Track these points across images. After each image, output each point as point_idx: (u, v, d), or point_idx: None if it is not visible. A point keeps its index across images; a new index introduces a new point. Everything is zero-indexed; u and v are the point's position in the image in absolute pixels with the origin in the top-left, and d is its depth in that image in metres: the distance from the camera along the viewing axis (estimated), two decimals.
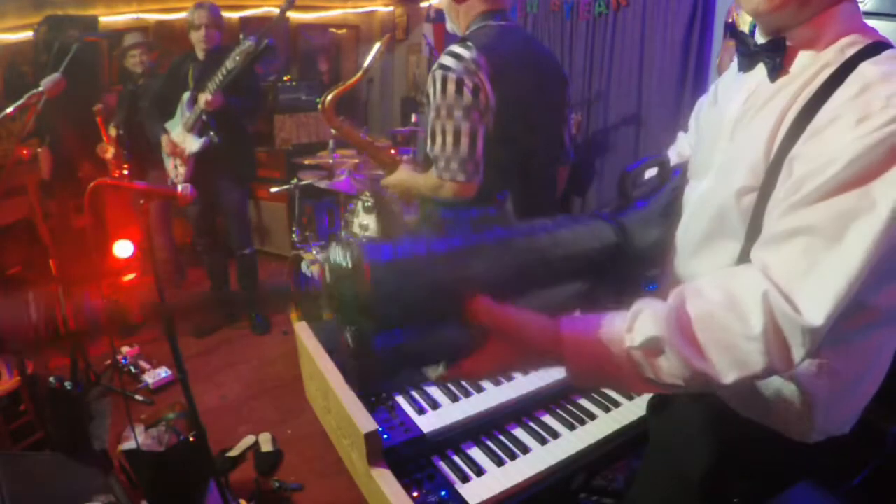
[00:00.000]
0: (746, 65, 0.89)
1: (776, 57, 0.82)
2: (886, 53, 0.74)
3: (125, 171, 3.24)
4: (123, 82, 3.63)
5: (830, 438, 0.91)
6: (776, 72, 0.83)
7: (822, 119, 0.73)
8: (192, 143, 3.04)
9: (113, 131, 3.37)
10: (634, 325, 0.72)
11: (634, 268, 0.92)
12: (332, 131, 2.85)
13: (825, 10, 0.78)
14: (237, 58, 2.73)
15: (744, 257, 0.82)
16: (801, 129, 0.75)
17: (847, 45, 0.77)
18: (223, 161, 3.13)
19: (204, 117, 3.00)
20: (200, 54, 3.10)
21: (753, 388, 0.90)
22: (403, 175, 1.77)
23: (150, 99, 3.30)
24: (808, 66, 0.79)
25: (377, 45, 1.83)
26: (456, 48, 1.57)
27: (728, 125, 0.90)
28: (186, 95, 3.08)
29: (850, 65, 0.75)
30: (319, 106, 1.79)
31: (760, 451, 0.95)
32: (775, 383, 0.88)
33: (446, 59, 1.55)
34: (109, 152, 3.36)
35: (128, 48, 3.38)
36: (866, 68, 0.73)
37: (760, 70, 0.86)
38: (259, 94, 3.36)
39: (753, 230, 0.81)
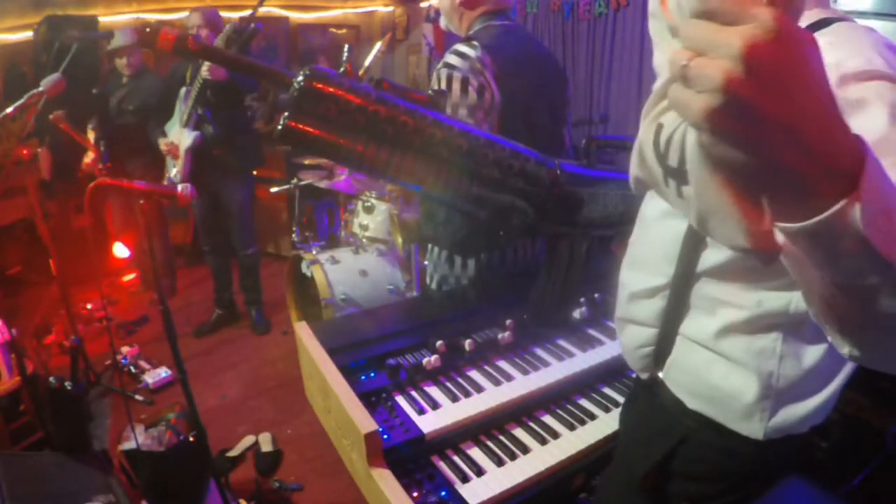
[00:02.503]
0: None
1: None
2: (827, 28, 0.72)
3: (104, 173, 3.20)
4: (99, 84, 3.58)
5: (789, 439, 0.83)
6: None
7: None
8: (186, 138, 3.00)
9: (91, 134, 3.34)
10: None
11: (569, 216, 0.93)
12: None
13: None
14: (222, 41, 2.69)
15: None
16: None
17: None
18: (224, 157, 3.08)
19: (199, 111, 2.95)
20: None
21: (704, 372, 0.85)
22: None
23: (148, 104, 3.29)
24: None
25: (377, 45, 1.83)
26: (461, 47, 1.56)
27: None
28: (183, 91, 3.05)
29: None
30: None
31: (706, 452, 0.88)
32: (727, 366, 0.82)
33: (451, 58, 1.54)
34: (88, 156, 3.34)
35: (114, 51, 3.35)
36: None
37: None
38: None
39: None
